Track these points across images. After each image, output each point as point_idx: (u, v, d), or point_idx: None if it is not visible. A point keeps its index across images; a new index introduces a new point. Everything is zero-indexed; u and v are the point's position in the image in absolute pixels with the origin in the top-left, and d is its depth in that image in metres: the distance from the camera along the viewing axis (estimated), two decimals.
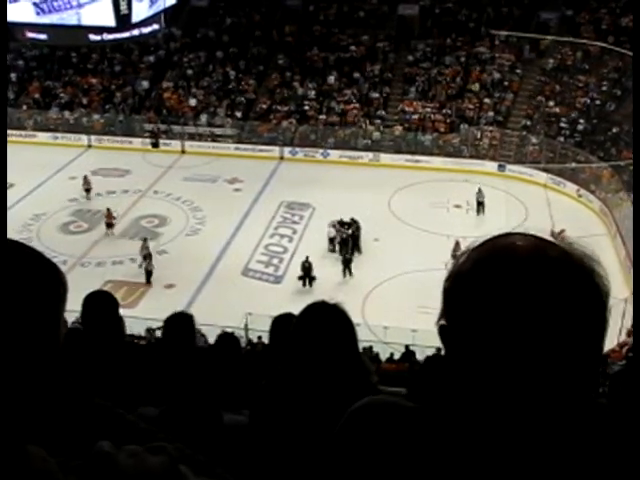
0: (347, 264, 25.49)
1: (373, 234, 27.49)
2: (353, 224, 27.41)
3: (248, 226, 29.25)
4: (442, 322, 1.23)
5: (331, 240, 27.35)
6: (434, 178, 33.28)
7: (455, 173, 33.62)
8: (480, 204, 29.54)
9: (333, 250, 27.08)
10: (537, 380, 1.13)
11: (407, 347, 19.00)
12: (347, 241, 26.85)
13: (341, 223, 27.55)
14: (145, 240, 26.38)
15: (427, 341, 15.95)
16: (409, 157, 35.21)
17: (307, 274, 24.71)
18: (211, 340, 15.20)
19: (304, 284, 24.58)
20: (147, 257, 25.62)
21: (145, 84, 39.86)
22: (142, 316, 18.61)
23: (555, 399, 1.15)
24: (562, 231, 24.00)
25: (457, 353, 1.20)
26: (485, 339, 1.15)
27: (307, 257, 24.97)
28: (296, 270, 25.09)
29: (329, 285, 23.49)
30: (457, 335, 1.19)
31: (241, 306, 21.65)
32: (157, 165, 35.16)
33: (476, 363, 1.16)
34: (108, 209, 28.95)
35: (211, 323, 18.70)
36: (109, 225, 28.59)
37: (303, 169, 34.36)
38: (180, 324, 5.47)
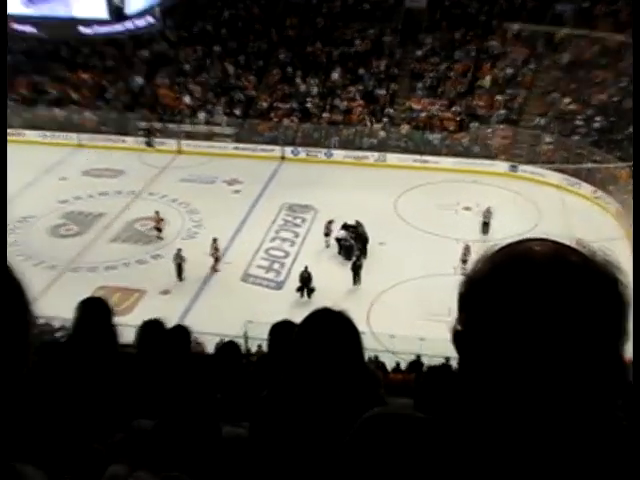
0: (357, 271, 25.39)
1: (379, 238, 27.49)
2: (359, 226, 27.45)
3: (248, 229, 29.29)
4: (457, 327, 1.25)
5: (339, 241, 27.41)
6: (443, 179, 33.30)
7: (465, 174, 33.63)
8: (486, 224, 28.54)
9: (340, 252, 27.17)
10: (554, 389, 1.15)
11: (419, 357, 18.93)
12: (352, 247, 26.90)
13: (345, 226, 27.59)
14: (215, 240, 26.50)
15: (435, 350, 15.92)
16: (417, 157, 35.24)
17: (305, 285, 24.62)
18: (209, 350, 15.20)
19: (302, 295, 24.52)
20: (218, 259, 26.22)
21: (139, 80, 39.93)
22: (137, 323, 18.61)
23: (573, 409, 1.16)
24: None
25: (472, 360, 1.22)
26: (501, 345, 1.16)
27: (306, 267, 24.87)
28: (296, 275, 25.03)
29: (333, 291, 23.45)
30: (472, 341, 1.21)
31: (240, 313, 21.65)
32: (152, 165, 35.20)
33: (491, 370, 1.18)
34: (157, 212, 28.93)
35: (209, 331, 18.70)
36: (158, 229, 28.60)
37: (305, 169, 34.40)
38: (177, 335, 5.50)
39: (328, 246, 27.78)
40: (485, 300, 1.19)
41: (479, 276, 1.23)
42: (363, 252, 26.70)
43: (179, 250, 25.83)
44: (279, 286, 25.66)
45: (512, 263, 1.20)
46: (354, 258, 26.03)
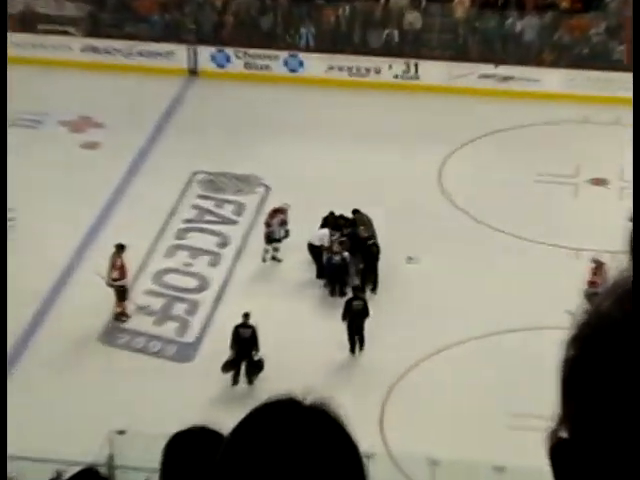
0: (356, 321, 25.51)
1: (404, 248, 27.80)
2: (359, 223, 27.70)
3: (117, 229, 29.46)
4: (561, 434, 1.29)
5: (314, 251, 27.81)
6: (545, 118, 33.68)
7: (593, 106, 34.02)
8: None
9: (321, 276, 27.64)
10: None
11: None
12: (344, 268, 27.22)
13: (330, 220, 27.81)
14: (119, 250, 26.93)
15: None
16: (486, 69, 35.63)
17: (244, 353, 24.80)
18: None
19: (236, 378, 24.87)
20: (125, 291, 26.90)
21: None
22: None
23: None
24: None
25: None
26: None
27: (246, 315, 24.99)
28: (224, 332, 25.20)
29: (304, 365, 23.63)
30: (594, 460, 1.25)
31: (102, 413, 21.82)
32: None
33: None
34: None
35: (36, 456, 18.82)
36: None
37: (243, 98, 34.83)
38: None
39: (267, 260, 28.41)
40: (621, 369, 1.23)
41: (608, 322, 1.28)
42: (368, 278, 26.96)
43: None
44: (185, 354, 25.93)
45: None
46: (349, 294, 26.32)
